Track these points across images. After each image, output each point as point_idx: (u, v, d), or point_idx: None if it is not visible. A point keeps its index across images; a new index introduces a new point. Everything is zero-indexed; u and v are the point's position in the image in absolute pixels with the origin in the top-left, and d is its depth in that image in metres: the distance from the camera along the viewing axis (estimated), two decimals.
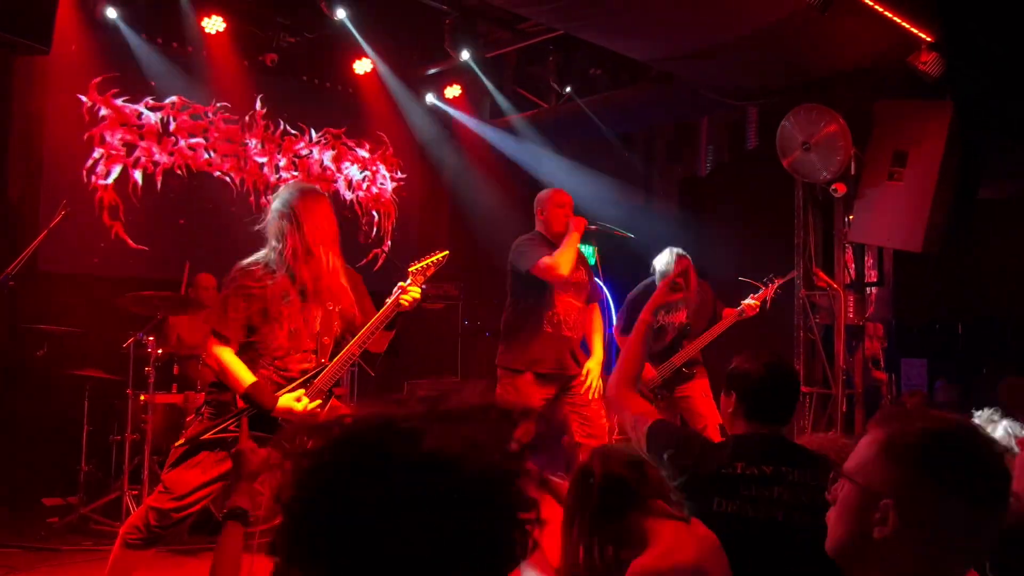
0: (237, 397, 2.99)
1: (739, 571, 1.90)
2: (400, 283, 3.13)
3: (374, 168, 7.38)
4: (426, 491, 0.80)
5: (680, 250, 4.94)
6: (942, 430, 1.16)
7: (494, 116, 7.64)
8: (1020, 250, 5.58)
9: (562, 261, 4.05)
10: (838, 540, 1.21)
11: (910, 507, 1.12)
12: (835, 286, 5.72)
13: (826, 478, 1.26)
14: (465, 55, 6.11)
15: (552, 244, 4.20)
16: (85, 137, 5.76)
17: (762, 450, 2.14)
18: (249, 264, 3.07)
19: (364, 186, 7.30)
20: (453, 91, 7.21)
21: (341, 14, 5.70)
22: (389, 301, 3.12)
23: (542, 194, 4.43)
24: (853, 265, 5.94)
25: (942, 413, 1.22)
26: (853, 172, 5.46)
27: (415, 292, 3.13)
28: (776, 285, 4.92)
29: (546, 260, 4.07)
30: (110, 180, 5.87)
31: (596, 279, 4.51)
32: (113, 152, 5.88)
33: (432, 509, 0.80)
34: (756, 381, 2.22)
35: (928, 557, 1.11)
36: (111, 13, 5.72)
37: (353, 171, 7.23)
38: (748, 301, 4.79)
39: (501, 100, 7.39)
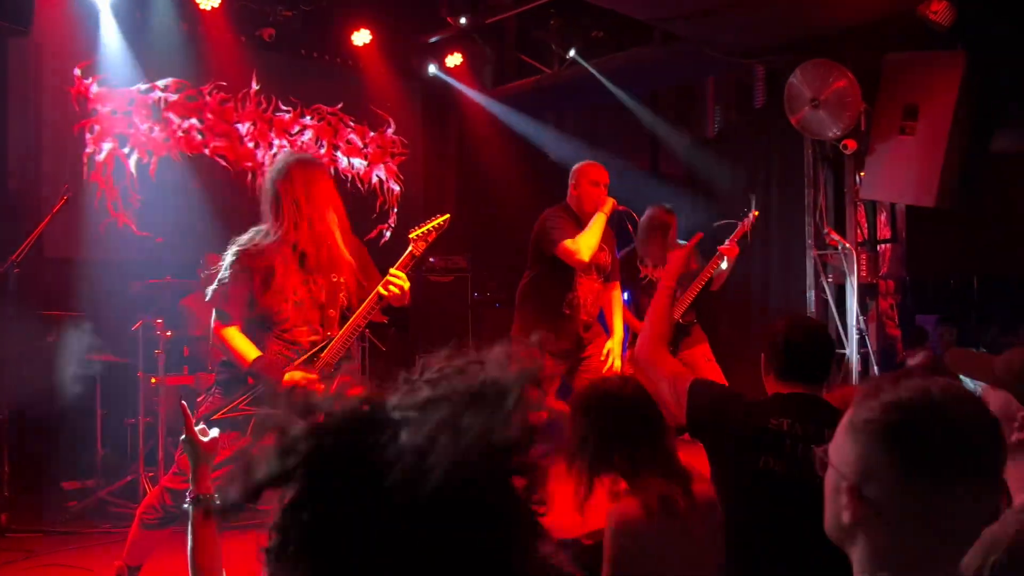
0: (245, 373, 2.98)
1: (787, 534, 1.92)
2: (390, 269, 3.04)
3: (375, 141, 7.31)
4: (401, 497, 0.69)
5: (662, 206, 4.97)
6: (904, 403, 1.02)
7: (497, 83, 7.54)
8: None
9: (584, 246, 3.96)
10: (826, 525, 1.10)
11: (869, 488, 1.00)
12: (847, 244, 5.65)
13: None
14: (464, 21, 6.01)
15: (580, 222, 4.12)
16: (78, 123, 5.70)
17: (802, 409, 2.12)
18: (247, 239, 3.03)
19: (365, 160, 7.23)
20: (454, 60, 7.10)
21: None
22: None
23: (578, 167, 4.27)
24: (865, 222, 5.86)
25: (925, 380, 1.05)
26: (863, 127, 5.36)
27: (400, 281, 3.02)
28: (752, 218, 4.90)
29: (568, 244, 3.98)
30: (107, 167, 5.81)
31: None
32: (106, 141, 5.81)
33: (407, 515, 0.69)
34: (781, 340, 2.22)
35: (898, 546, 1.00)
36: None
37: (351, 149, 7.16)
38: (723, 245, 4.77)
39: (503, 66, 7.29)
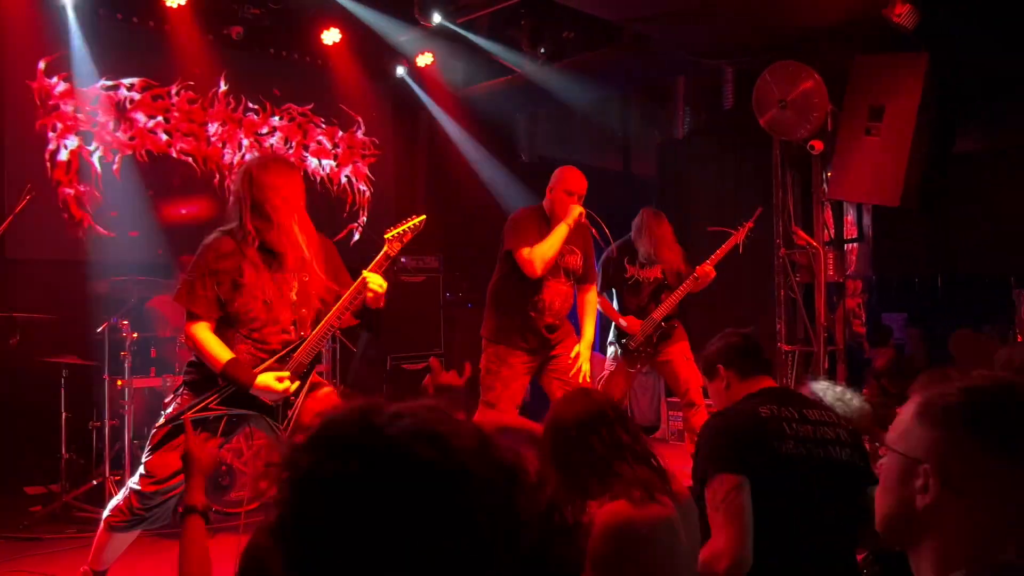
0: (216, 375, 2.95)
1: (807, 512, 2.06)
2: (363, 271, 3.03)
3: (345, 141, 7.26)
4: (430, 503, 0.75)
5: (652, 209, 5.02)
6: (982, 388, 1.09)
7: (468, 83, 7.53)
8: (997, 203, 5.60)
9: (538, 257, 3.95)
10: (885, 515, 1.14)
11: (950, 470, 1.05)
12: (814, 244, 5.72)
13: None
14: (436, 19, 5.98)
15: (550, 225, 4.10)
16: (40, 121, 5.59)
17: (779, 397, 2.28)
18: (215, 239, 2.99)
19: (335, 160, 7.19)
20: (425, 59, 7.08)
21: None
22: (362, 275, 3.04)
23: (558, 172, 4.21)
24: (832, 222, 5.93)
25: (988, 372, 1.14)
26: (830, 128, 5.43)
27: (377, 282, 3.02)
28: (747, 228, 4.94)
29: (524, 253, 3.98)
30: (71, 165, 5.71)
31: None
32: (70, 139, 5.71)
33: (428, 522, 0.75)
34: (739, 342, 2.42)
35: (976, 525, 1.04)
36: None
37: (321, 150, 7.11)
38: (700, 266, 4.83)
39: (474, 67, 7.28)
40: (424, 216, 3.16)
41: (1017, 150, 6.26)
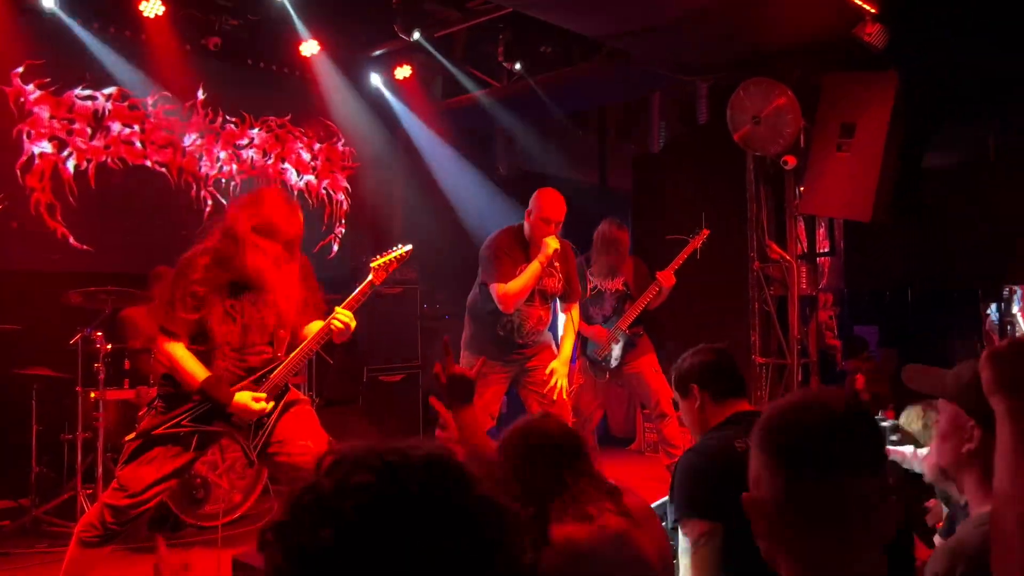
0: (191, 391, 2.94)
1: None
2: (336, 308, 3.07)
3: (323, 153, 7.26)
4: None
5: (614, 221, 5.08)
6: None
7: (446, 96, 7.56)
8: (965, 218, 5.71)
9: (511, 297, 3.98)
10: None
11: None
12: (788, 257, 5.80)
13: None
14: (416, 35, 6.02)
15: (527, 248, 4.13)
16: (15, 130, 5.53)
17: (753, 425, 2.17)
18: (196, 258, 2.99)
19: (314, 172, 7.18)
20: (403, 72, 7.10)
21: None
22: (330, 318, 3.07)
23: (537, 197, 4.15)
24: (805, 236, 6.02)
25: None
26: (803, 144, 5.53)
27: (345, 317, 3.05)
28: (703, 235, 5.01)
29: (498, 289, 4.00)
30: (44, 173, 5.65)
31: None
32: (44, 145, 5.66)
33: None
34: (713, 362, 2.34)
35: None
36: (45, 3, 5.48)
37: (299, 162, 7.11)
38: (661, 271, 4.90)
39: (453, 80, 7.31)
40: (410, 247, 3.19)
41: (983, 165, 6.41)
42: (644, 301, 4.94)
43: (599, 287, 5.02)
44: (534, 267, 4.01)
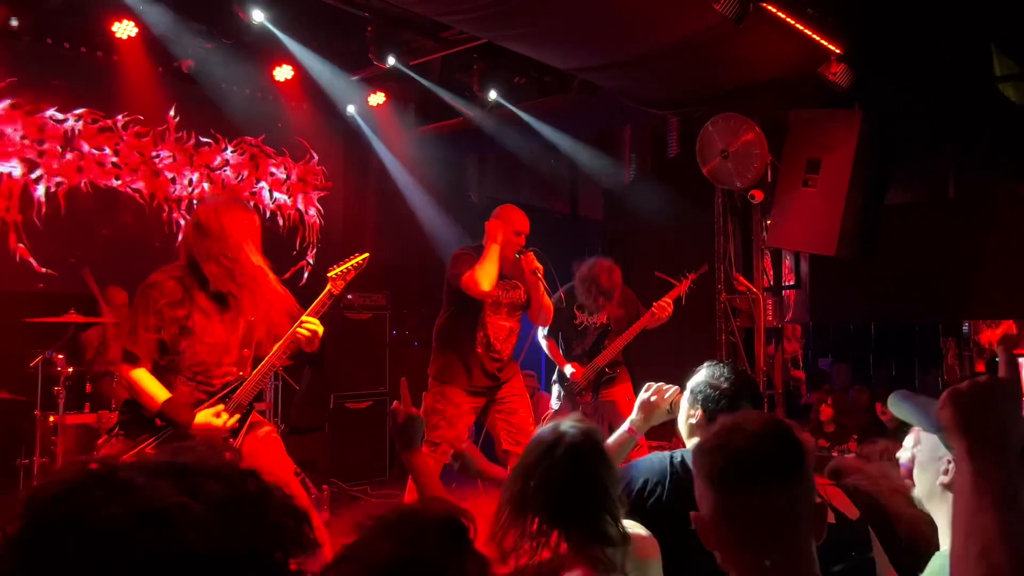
0: (153, 415, 2.89)
1: None
2: (302, 316, 3.03)
3: (296, 178, 7.24)
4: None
5: (604, 258, 5.01)
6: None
7: (419, 123, 7.60)
8: (927, 253, 5.84)
9: (481, 276, 3.96)
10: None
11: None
12: (754, 290, 5.88)
13: None
14: (391, 62, 6.06)
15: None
16: None
17: None
18: (160, 281, 2.95)
19: (287, 192, 7.16)
20: (377, 98, 7.14)
21: (259, 16, 5.52)
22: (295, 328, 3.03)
23: (504, 211, 4.22)
24: (771, 269, 6.12)
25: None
26: (770, 179, 5.64)
27: (312, 324, 3.03)
28: (690, 280, 5.05)
29: (466, 275, 4.00)
30: (11, 194, 5.56)
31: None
32: (14, 163, 5.59)
33: None
34: (727, 391, 2.21)
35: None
36: (14, 22, 5.44)
37: (273, 181, 7.08)
38: (659, 301, 4.88)
39: (426, 107, 7.35)
40: (367, 255, 3.17)
41: (943, 202, 6.57)
42: (627, 339, 4.90)
43: (585, 323, 4.97)
44: (492, 249, 4.01)
